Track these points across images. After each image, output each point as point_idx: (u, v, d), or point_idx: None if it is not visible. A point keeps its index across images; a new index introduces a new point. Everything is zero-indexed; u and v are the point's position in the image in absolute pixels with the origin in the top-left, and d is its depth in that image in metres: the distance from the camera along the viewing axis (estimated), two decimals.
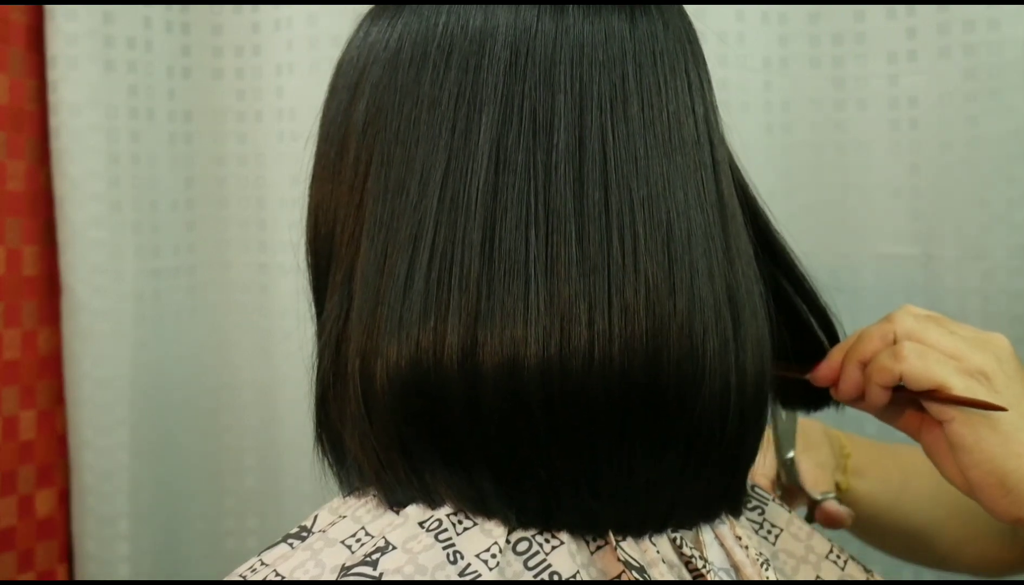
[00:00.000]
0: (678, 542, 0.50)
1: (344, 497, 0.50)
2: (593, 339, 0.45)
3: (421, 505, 0.46)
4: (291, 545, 0.47)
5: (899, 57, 0.97)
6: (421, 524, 0.46)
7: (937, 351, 0.54)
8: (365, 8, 1.08)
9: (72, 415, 1.01)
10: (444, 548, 0.45)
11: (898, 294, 0.98)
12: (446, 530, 0.45)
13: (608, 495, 0.47)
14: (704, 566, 0.49)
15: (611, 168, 0.47)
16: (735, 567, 0.51)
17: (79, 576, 1.03)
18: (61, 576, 1.04)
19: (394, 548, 0.44)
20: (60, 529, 1.04)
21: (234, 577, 0.47)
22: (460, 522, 0.46)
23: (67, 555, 1.05)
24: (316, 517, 0.49)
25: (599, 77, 0.48)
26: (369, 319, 0.47)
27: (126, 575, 1.02)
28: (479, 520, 0.46)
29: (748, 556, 0.51)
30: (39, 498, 1.02)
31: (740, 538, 0.52)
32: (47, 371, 1.02)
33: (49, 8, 0.98)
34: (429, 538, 0.45)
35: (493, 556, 0.45)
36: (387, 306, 0.46)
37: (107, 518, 1.01)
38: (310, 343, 0.52)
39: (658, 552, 0.48)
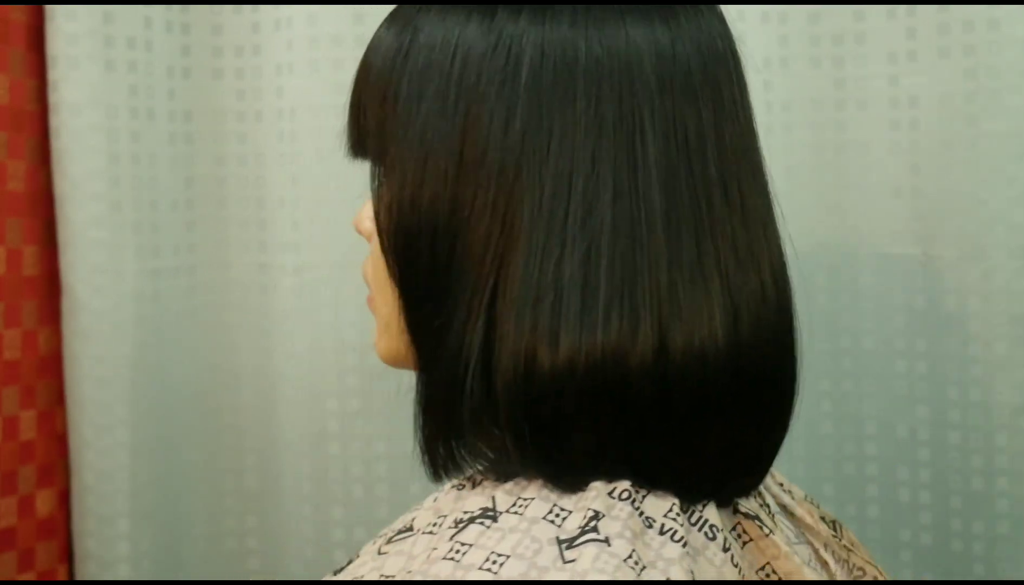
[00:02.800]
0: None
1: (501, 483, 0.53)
2: (755, 327, 0.51)
3: (602, 480, 0.50)
4: (484, 524, 0.49)
5: (899, 57, 0.97)
6: (609, 495, 0.49)
7: None
8: (365, 8, 1.08)
9: (72, 415, 1.01)
10: (638, 514, 0.49)
11: (898, 294, 0.98)
12: (632, 499, 0.49)
13: (739, 463, 0.53)
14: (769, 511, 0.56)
15: (737, 168, 0.52)
16: (783, 507, 0.57)
17: (79, 576, 1.03)
18: (61, 576, 1.04)
19: (603, 515, 0.48)
20: (60, 529, 1.04)
21: (439, 562, 0.48)
22: (637, 491, 0.50)
23: (67, 555, 1.05)
24: (494, 498, 0.51)
25: (724, 80, 0.53)
26: (532, 326, 0.49)
27: (126, 575, 1.02)
28: (650, 489, 0.51)
29: (794, 497, 0.57)
30: (39, 498, 1.02)
31: (782, 483, 0.58)
32: (47, 371, 1.02)
33: (49, 8, 0.99)
34: (625, 505, 0.49)
35: (676, 516, 0.49)
36: (559, 315, 0.49)
37: (107, 518, 1.01)
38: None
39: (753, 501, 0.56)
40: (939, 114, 0.95)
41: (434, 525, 0.52)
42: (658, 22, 0.52)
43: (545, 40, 0.51)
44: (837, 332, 1.01)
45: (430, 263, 0.53)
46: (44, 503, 1.02)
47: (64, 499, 1.04)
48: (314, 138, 1.02)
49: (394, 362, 0.60)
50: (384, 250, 0.55)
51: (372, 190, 0.56)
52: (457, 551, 0.48)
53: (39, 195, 1.01)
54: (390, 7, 0.66)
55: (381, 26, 0.58)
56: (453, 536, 0.49)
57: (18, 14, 0.98)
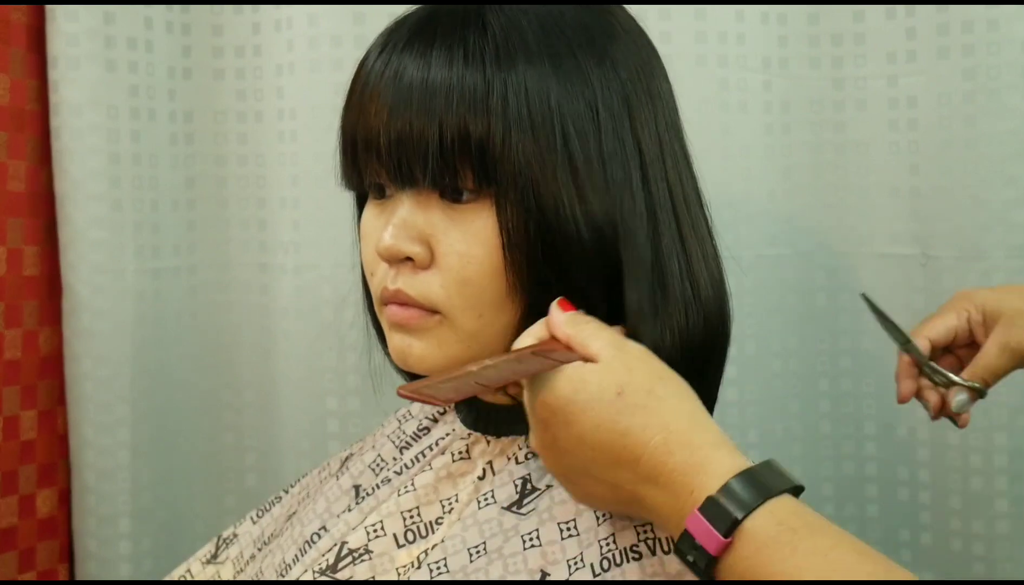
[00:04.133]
0: None
1: None
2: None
3: None
4: None
5: (898, 57, 0.97)
6: None
7: None
8: (365, 8, 1.08)
9: (73, 415, 1.01)
10: None
11: (897, 294, 0.98)
12: None
13: None
14: None
15: None
16: None
17: (80, 575, 1.03)
18: (62, 575, 1.04)
19: None
20: (61, 528, 1.04)
21: None
22: None
23: (68, 554, 1.05)
24: None
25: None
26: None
27: (127, 574, 1.02)
28: None
29: None
30: (40, 497, 1.02)
31: None
32: (48, 371, 1.02)
33: (50, 8, 0.99)
34: None
35: None
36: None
37: (108, 517, 1.02)
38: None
39: None
40: (938, 114, 0.95)
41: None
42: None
43: (619, 83, 0.63)
44: (837, 332, 1.02)
45: (565, 266, 0.61)
46: (45, 503, 1.02)
47: (65, 499, 1.04)
48: (314, 138, 1.02)
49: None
50: (526, 262, 0.59)
51: (504, 214, 0.59)
52: None
53: (40, 195, 1.01)
54: (390, 8, 0.67)
55: (423, 61, 0.60)
56: None
57: (19, 15, 0.98)
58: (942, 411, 0.76)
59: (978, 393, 0.75)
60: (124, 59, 1.01)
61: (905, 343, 0.76)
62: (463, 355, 0.61)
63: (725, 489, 0.48)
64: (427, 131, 0.58)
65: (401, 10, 0.65)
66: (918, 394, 0.76)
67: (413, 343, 0.62)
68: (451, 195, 0.60)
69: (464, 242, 0.60)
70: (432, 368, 0.63)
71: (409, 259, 0.61)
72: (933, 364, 0.76)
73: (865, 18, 0.98)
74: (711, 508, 0.48)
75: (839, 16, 0.99)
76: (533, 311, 0.60)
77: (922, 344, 0.76)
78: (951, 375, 0.75)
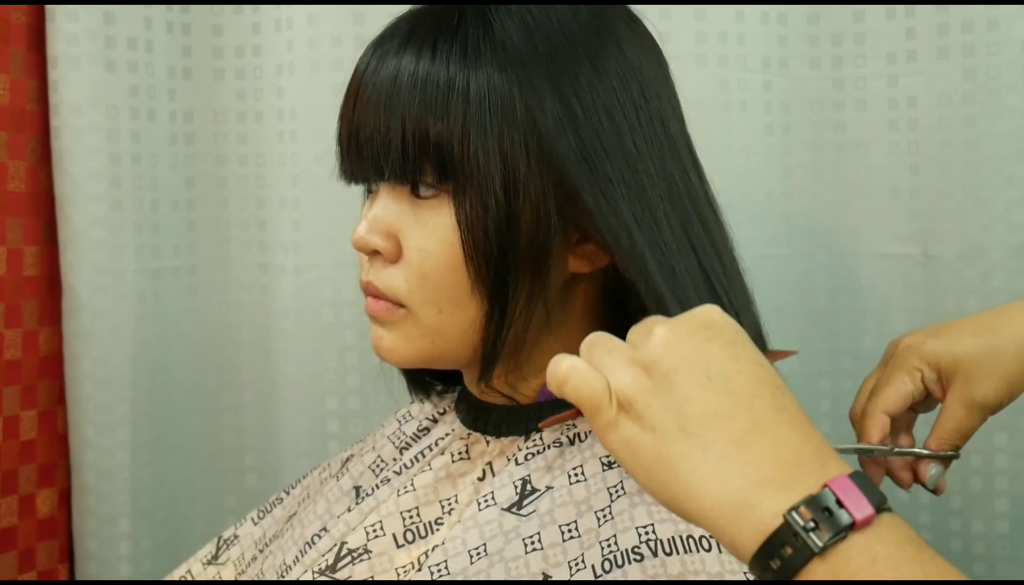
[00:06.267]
0: None
1: None
2: None
3: None
4: None
5: (898, 58, 0.97)
6: None
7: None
8: (365, 8, 1.08)
9: (73, 415, 1.01)
10: None
11: (897, 294, 0.98)
12: None
13: None
14: None
15: None
16: None
17: (80, 575, 1.03)
18: (62, 576, 1.04)
19: None
20: (61, 528, 1.04)
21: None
22: None
23: (68, 554, 1.05)
24: None
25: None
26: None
27: (127, 575, 1.02)
28: None
29: None
30: (40, 497, 1.02)
31: None
32: (48, 371, 1.02)
33: (50, 8, 0.99)
34: None
35: None
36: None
37: (108, 517, 1.02)
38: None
39: None
40: (938, 114, 0.95)
41: (576, 476, 0.60)
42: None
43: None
44: (837, 332, 1.01)
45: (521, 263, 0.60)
46: (45, 503, 1.02)
47: (65, 499, 1.04)
48: (314, 138, 1.02)
49: (421, 363, 0.65)
50: (483, 260, 0.59)
51: (461, 212, 0.59)
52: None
53: (40, 195, 1.01)
54: (390, 8, 0.67)
55: (418, 58, 0.60)
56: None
57: (19, 14, 0.98)
58: (916, 482, 0.68)
59: (951, 460, 0.67)
60: (124, 59, 1.01)
61: (890, 452, 0.68)
62: (428, 349, 0.63)
63: (858, 475, 0.42)
64: (392, 126, 0.60)
65: (401, 10, 0.66)
66: (888, 472, 0.69)
67: (384, 335, 0.64)
68: (416, 190, 0.61)
69: (424, 238, 0.61)
70: (400, 360, 0.65)
71: (378, 252, 0.63)
72: (899, 447, 0.68)
73: (865, 18, 0.98)
74: (858, 480, 0.42)
75: (839, 16, 0.99)
76: (494, 309, 0.61)
77: (881, 420, 0.67)
78: (920, 451, 0.67)
